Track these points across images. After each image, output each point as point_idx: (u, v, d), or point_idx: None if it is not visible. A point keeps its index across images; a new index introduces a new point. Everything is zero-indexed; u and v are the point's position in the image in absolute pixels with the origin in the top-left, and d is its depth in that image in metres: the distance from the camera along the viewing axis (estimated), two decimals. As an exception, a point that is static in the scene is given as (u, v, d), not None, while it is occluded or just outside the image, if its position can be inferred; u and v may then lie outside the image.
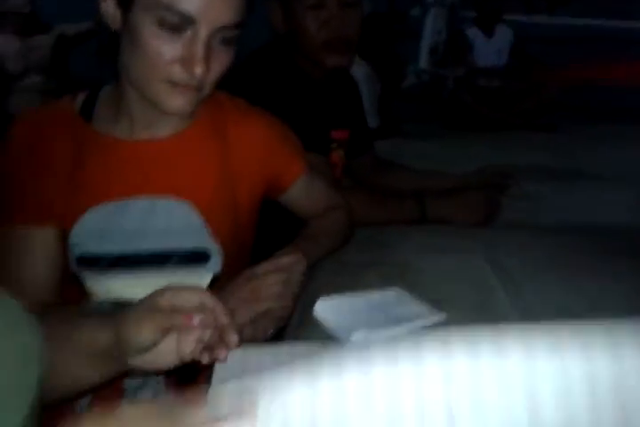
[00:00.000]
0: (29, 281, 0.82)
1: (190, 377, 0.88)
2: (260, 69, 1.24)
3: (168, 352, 0.63)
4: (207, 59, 0.76)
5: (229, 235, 0.90)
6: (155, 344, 0.62)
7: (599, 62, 4.16)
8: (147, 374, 0.84)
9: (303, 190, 0.99)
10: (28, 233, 0.83)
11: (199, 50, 0.75)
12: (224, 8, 0.75)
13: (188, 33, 0.75)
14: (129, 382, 0.87)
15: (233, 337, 0.62)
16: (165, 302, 0.61)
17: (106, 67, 0.88)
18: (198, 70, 0.75)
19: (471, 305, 0.88)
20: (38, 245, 0.83)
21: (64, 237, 0.83)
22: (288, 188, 0.98)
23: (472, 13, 3.42)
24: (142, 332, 0.60)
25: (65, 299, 0.86)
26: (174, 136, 0.87)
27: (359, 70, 1.74)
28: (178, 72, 0.77)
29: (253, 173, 0.92)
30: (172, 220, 0.86)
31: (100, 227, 0.83)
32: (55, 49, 2.93)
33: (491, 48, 3.31)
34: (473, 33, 3.29)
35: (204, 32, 0.75)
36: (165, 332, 0.61)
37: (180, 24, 0.74)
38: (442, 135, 2.86)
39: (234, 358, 0.64)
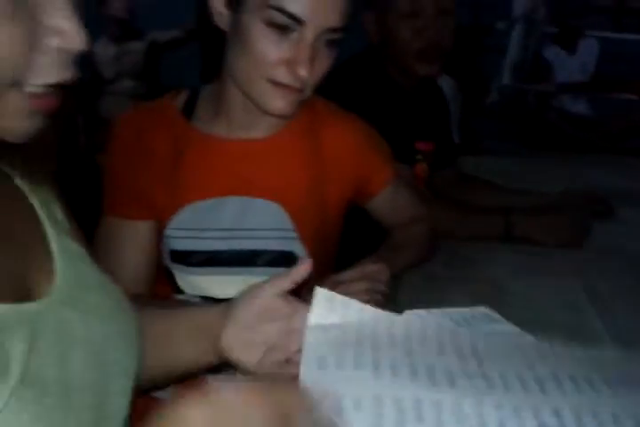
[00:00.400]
0: (125, 272, 0.84)
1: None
2: (352, 77, 1.25)
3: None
4: (312, 60, 0.76)
5: (316, 239, 0.90)
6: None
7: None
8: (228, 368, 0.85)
9: (390, 198, 0.99)
10: (129, 225, 0.85)
11: (305, 52, 0.75)
12: (332, 10, 0.76)
13: (295, 34, 0.76)
14: (212, 378, 0.88)
15: None
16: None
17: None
18: (303, 72, 0.76)
19: (561, 329, 0.84)
20: (136, 238, 0.85)
21: (161, 230, 0.85)
22: (376, 194, 0.97)
23: (553, 29, 3.32)
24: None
25: (155, 294, 0.88)
26: (270, 137, 0.88)
27: (446, 84, 1.72)
28: (282, 73, 0.77)
29: (344, 178, 0.92)
30: (264, 221, 0.86)
31: (194, 223, 0.85)
32: (147, 55, 3.04)
33: (574, 64, 3.21)
34: (553, 52, 3.20)
35: (310, 34, 0.75)
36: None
37: (288, 25, 0.75)
38: (523, 154, 2.79)
39: None
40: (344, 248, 1.00)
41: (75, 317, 0.50)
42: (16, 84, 0.42)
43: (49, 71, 0.42)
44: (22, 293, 0.47)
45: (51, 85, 0.43)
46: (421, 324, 0.69)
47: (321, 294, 0.64)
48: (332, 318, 0.62)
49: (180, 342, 0.65)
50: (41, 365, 0.44)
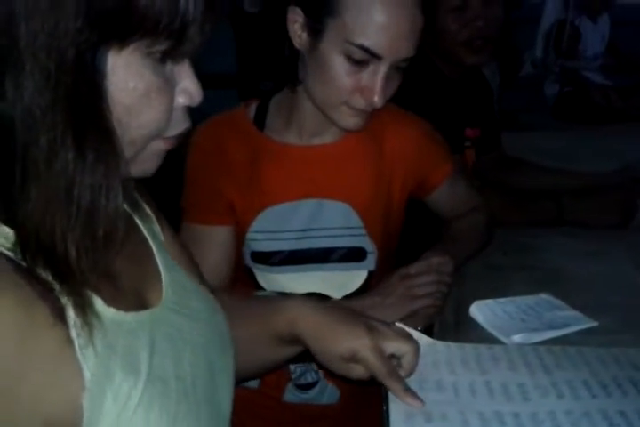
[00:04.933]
0: (209, 274, 0.90)
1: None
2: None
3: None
4: (385, 88, 0.82)
5: (383, 234, 0.96)
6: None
7: None
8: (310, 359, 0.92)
9: (449, 190, 1.03)
10: (210, 231, 0.92)
11: (380, 82, 0.81)
12: (407, 45, 0.81)
13: (371, 66, 0.81)
14: (294, 368, 0.95)
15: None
16: (373, 344, 0.63)
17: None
18: (376, 99, 0.81)
19: (619, 311, 0.89)
20: (217, 241, 0.92)
21: (240, 234, 0.92)
22: (437, 187, 1.02)
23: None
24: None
25: (235, 292, 0.95)
26: (338, 142, 0.94)
27: (488, 68, 1.73)
28: (357, 99, 0.83)
29: (407, 174, 0.97)
30: (335, 220, 0.92)
31: (273, 226, 0.91)
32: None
33: (597, 35, 3.19)
34: (582, 22, 3.17)
35: (385, 66, 0.81)
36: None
37: (365, 60, 0.80)
38: (556, 127, 2.78)
39: None
40: (403, 240, 1.06)
41: (182, 321, 0.57)
42: (156, 137, 0.49)
43: (179, 124, 0.50)
44: (140, 302, 0.54)
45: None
46: (489, 347, 0.74)
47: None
48: None
49: (261, 349, 0.70)
50: (161, 365, 0.51)
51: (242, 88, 3.04)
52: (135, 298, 0.54)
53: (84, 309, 0.45)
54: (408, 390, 0.62)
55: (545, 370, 0.70)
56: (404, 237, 1.05)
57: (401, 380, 0.62)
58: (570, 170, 1.46)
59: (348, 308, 0.74)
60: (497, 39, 1.29)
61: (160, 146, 0.50)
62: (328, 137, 0.93)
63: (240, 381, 0.77)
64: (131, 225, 0.60)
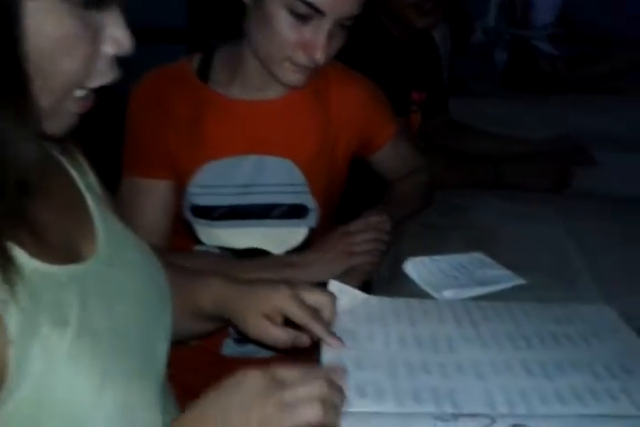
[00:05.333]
0: (146, 228, 0.90)
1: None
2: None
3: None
4: (328, 45, 0.82)
5: (325, 192, 0.97)
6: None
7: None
8: None
9: (393, 151, 1.05)
10: (150, 184, 0.91)
11: (322, 38, 0.81)
12: (352, 3, 0.81)
13: (315, 21, 0.81)
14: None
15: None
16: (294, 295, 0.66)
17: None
18: (318, 56, 0.82)
19: (548, 270, 0.93)
20: (158, 195, 0.91)
21: (181, 188, 0.91)
22: (381, 147, 1.03)
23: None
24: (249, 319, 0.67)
25: (175, 245, 0.95)
26: (283, 97, 0.93)
27: (438, 31, 1.73)
28: (299, 55, 0.83)
29: (351, 133, 0.98)
30: (278, 177, 0.93)
31: (214, 180, 0.91)
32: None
33: (549, 4, 3.22)
34: None
35: (329, 23, 0.80)
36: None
37: (308, 15, 0.80)
38: (504, 95, 2.83)
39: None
40: (345, 199, 1.07)
41: (116, 273, 0.57)
42: (77, 88, 0.47)
43: (104, 75, 0.49)
44: (72, 256, 0.53)
45: (92, 89, 0.49)
46: (421, 302, 0.78)
47: (333, 285, 0.74)
48: (343, 305, 0.72)
49: (185, 320, 0.71)
50: (92, 318, 0.51)
51: (192, 43, 2.96)
52: (66, 251, 0.53)
53: (3, 264, 0.44)
54: (331, 333, 0.64)
55: (472, 323, 0.73)
56: (346, 195, 1.06)
57: (323, 323, 0.65)
58: (512, 136, 1.49)
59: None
60: (448, 3, 1.29)
61: (74, 106, 0.49)
62: (272, 92, 0.93)
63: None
64: (61, 175, 0.59)
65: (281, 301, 0.65)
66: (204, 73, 0.91)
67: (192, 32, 2.81)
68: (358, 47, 1.23)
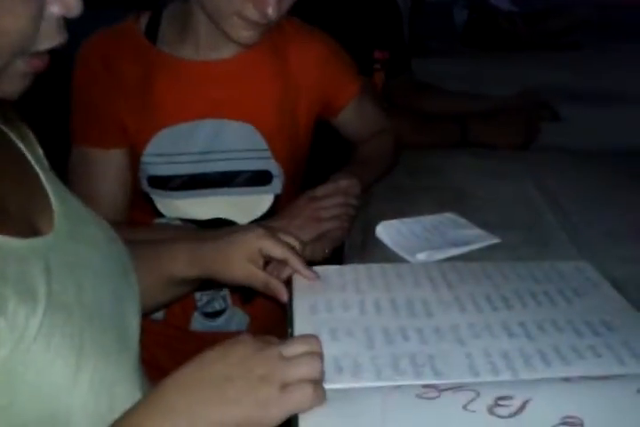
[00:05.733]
0: (103, 200, 0.85)
1: (251, 295, 0.95)
2: None
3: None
4: (280, 1, 0.77)
5: (290, 156, 0.93)
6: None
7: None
8: (217, 286, 0.90)
9: (357, 111, 1.01)
10: (102, 154, 0.85)
11: None
12: None
13: None
14: (200, 296, 0.93)
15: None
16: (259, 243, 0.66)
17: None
18: (270, 11, 0.76)
19: (521, 228, 0.91)
20: (111, 166, 0.86)
21: (135, 157, 0.86)
22: (344, 107, 0.99)
23: None
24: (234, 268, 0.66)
25: (133, 219, 0.90)
26: (238, 56, 0.88)
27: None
28: (250, 10, 0.77)
29: (312, 93, 0.94)
30: (238, 142, 0.88)
31: (170, 148, 0.86)
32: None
33: None
34: None
35: None
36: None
37: None
38: (464, 53, 2.81)
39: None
40: (311, 163, 1.03)
41: (78, 248, 0.54)
42: (24, 51, 0.44)
43: (51, 37, 0.46)
44: (31, 229, 0.51)
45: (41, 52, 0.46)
46: (395, 266, 0.76)
47: None
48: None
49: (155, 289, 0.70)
50: (61, 293, 0.48)
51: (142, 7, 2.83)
52: (24, 225, 0.50)
53: None
54: (308, 267, 0.67)
55: (448, 286, 0.71)
56: (311, 159, 1.02)
57: (300, 258, 0.67)
58: (476, 94, 1.47)
59: None
60: None
61: (25, 67, 0.45)
62: (226, 52, 0.87)
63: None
64: (10, 148, 0.55)
65: (260, 240, 0.66)
66: (152, 33, 0.85)
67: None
68: (317, 4, 1.19)
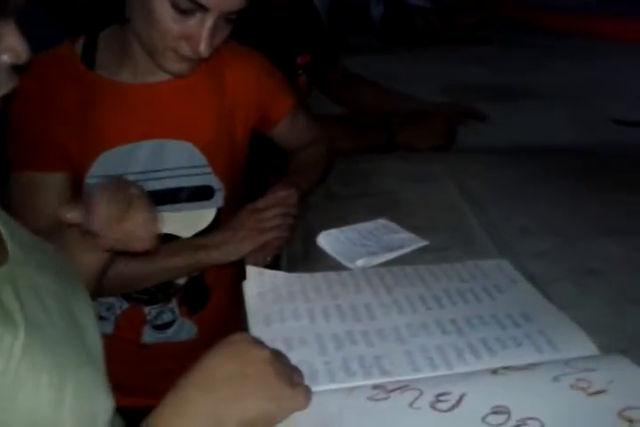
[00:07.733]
0: (45, 224, 0.86)
1: (200, 306, 0.99)
2: None
3: None
4: (212, 37, 0.81)
5: (229, 171, 0.97)
6: None
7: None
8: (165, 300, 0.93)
9: (291, 124, 1.05)
10: (43, 179, 0.86)
11: (206, 32, 0.80)
12: None
13: (198, 15, 0.79)
14: (149, 310, 0.96)
15: None
16: None
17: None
18: (202, 48, 0.81)
19: (447, 230, 0.98)
20: (52, 190, 0.87)
21: (79, 180, 0.87)
22: (279, 121, 1.03)
23: None
24: None
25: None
26: (175, 79, 0.90)
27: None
28: (183, 47, 0.82)
29: (248, 108, 0.98)
30: (178, 160, 0.91)
31: (112, 170, 0.87)
32: None
33: None
34: None
35: (212, 18, 0.79)
36: None
37: (191, 10, 0.78)
38: (381, 50, 2.87)
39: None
40: (249, 175, 1.07)
41: (34, 273, 0.57)
42: None
43: (4, 84, 0.49)
44: None
45: None
46: (337, 274, 0.82)
47: (251, 270, 0.79)
48: (265, 287, 0.75)
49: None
50: (34, 314, 0.52)
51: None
52: None
53: None
54: None
55: (386, 289, 0.78)
56: (249, 172, 1.06)
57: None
58: (404, 94, 1.53)
59: None
60: None
61: None
62: (164, 75, 0.89)
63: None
64: None
65: None
66: (89, 58, 0.87)
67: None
68: (245, 19, 1.21)
